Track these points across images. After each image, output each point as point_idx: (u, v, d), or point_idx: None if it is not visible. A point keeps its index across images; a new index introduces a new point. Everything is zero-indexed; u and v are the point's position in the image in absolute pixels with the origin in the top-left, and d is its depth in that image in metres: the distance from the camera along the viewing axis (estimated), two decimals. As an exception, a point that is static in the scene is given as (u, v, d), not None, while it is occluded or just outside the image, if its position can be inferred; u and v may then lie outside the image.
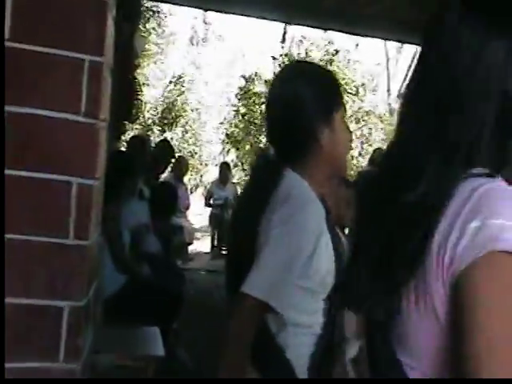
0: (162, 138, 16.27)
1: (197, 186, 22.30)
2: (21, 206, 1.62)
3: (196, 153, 21.71)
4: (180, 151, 18.33)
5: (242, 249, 1.81)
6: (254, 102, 18.44)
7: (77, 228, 1.64)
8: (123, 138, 7.78)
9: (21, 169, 1.62)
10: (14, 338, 1.60)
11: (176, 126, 20.30)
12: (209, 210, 11.70)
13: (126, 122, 7.71)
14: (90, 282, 1.73)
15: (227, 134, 19.86)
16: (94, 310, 1.84)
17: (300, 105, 1.80)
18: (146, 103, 19.22)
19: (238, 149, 19.40)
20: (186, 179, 11.48)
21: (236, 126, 19.49)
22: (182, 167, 9.83)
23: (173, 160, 8.24)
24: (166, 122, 20.02)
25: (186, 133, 20.78)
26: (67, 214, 1.64)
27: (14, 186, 1.61)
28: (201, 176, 22.75)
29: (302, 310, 1.74)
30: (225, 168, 11.58)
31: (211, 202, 11.45)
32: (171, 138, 17.85)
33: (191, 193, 16.37)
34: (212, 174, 19.74)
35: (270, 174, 1.84)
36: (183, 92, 21.11)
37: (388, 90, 24.66)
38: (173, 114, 20.15)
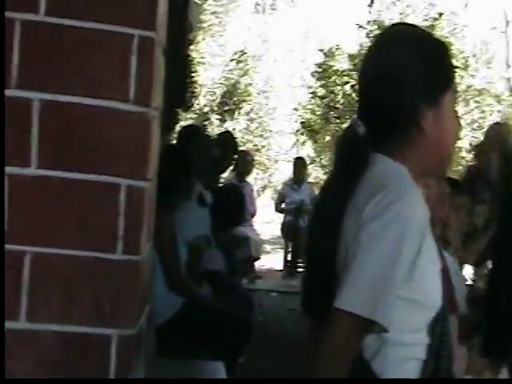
0: (221, 128, 16.33)
1: (264, 188, 22.12)
2: (58, 214, 1.66)
3: (263, 146, 21.33)
4: (244, 144, 17.84)
5: (324, 258, 1.81)
6: (334, 81, 18.06)
7: (126, 240, 1.68)
8: (175, 129, 7.58)
9: (58, 169, 1.66)
10: (54, 370, 1.64)
11: (239, 113, 19.88)
12: (280, 216, 11.44)
13: (178, 110, 7.58)
14: (142, 305, 1.75)
15: (302, 123, 19.32)
16: (146, 338, 1.87)
17: (399, 78, 1.76)
18: (201, 86, 18.96)
19: (315, 141, 18.91)
20: (250, 179, 11.32)
21: (313, 113, 19.09)
22: (246, 164, 9.78)
23: (235, 156, 8.06)
24: (226, 108, 19.75)
25: (251, 122, 20.52)
26: (114, 224, 1.68)
27: (49, 189, 1.65)
28: (269, 175, 22.57)
29: (405, 327, 1.72)
30: (299, 164, 11.28)
31: (283, 206, 11.20)
32: (233, 129, 17.35)
33: (258, 196, 16.34)
34: (283, 172, 19.71)
35: (358, 157, 1.82)
36: (247, 71, 20.87)
37: (507, 62, 24.07)
38: (235, 98, 19.78)
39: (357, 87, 1.89)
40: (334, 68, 18.17)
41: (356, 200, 1.74)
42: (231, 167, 8.79)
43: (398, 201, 1.65)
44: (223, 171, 7.60)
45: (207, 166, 6.08)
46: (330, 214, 1.84)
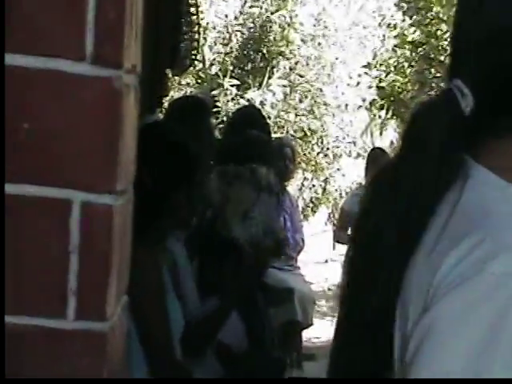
0: (241, 101, 11.70)
1: (317, 203, 14.10)
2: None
3: (313, 131, 13.10)
4: (278, 128, 12.29)
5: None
6: (437, 19, 11.38)
7: (81, 297, 1.03)
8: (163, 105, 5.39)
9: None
10: None
11: (271, 75, 12.52)
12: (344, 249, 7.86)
13: (168, 74, 5.48)
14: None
15: (380, 89, 12.25)
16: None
17: None
18: (207, 31, 12.50)
19: (402, 119, 11.58)
20: (292, 186, 8.82)
21: (399, 73, 12.19)
22: (283, 162, 6.30)
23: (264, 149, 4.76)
24: (249, 67, 12.77)
25: (292, 90, 12.99)
26: (62, 268, 1.02)
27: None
28: (325, 180, 13.98)
29: None
30: (378, 161, 7.46)
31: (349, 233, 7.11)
32: (261, 103, 11.82)
33: (305, 216, 12.12)
34: (349, 174, 13.69)
35: (452, 159, 1.13)
36: (285, 2, 13.04)
37: None
38: (263, 50, 12.69)
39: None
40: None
41: (433, 231, 1.09)
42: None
43: (498, 258, 1.01)
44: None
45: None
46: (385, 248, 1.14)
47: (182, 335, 2.90)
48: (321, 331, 7.68)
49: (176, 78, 10.59)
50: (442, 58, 10.73)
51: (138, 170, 1.21)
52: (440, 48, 11.04)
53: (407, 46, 11.75)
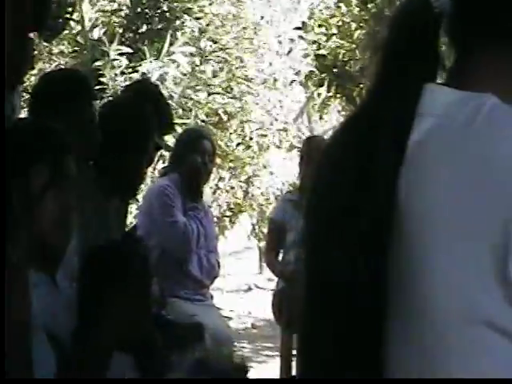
0: (134, 75, 10.18)
1: (237, 211, 12.56)
2: None
3: (231, 115, 11.59)
4: (183, 111, 10.47)
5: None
6: None
7: None
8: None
9: None
10: None
11: (172, 42, 10.64)
12: (272, 277, 7.33)
13: (33, 39, 4.29)
14: None
15: (317, 57, 11.05)
16: None
17: None
18: None
19: (345, 95, 11.33)
20: (206, 194, 7.85)
21: (342, 36, 10.95)
22: (193, 161, 5.57)
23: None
24: (143, 29, 11.15)
25: (201, 61, 11.38)
26: None
27: None
28: (248, 180, 12.41)
29: None
30: (314, 153, 6.74)
31: (281, 252, 6.65)
32: (160, 76, 10.43)
33: (221, 231, 11.26)
34: (279, 172, 12.51)
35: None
36: None
37: None
38: (164, 6, 11.11)
39: None
40: None
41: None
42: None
43: None
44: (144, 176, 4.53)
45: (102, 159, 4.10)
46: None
47: None
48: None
49: (46, 44, 9.98)
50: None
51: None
52: (397, 2, 8.72)
53: (354, 1, 10.57)
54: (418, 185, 1.11)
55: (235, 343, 6.12)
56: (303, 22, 11.10)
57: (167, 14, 11.04)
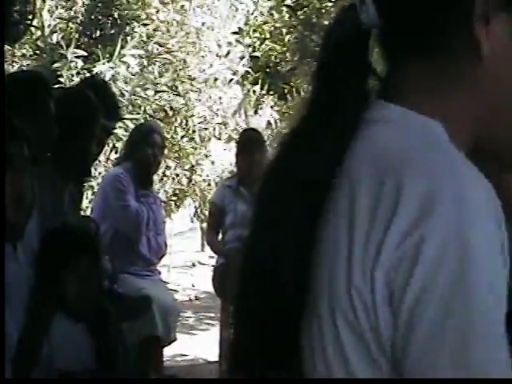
0: (90, 74, 10.25)
1: (182, 196, 12.36)
2: None
3: (176, 111, 11.64)
4: (133, 108, 10.76)
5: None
6: None
7: None
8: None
9: None
10: None
11: (124, 44, 10.77)
12: (212, 254, 7.51)
13: None
14: None
15: (253, 59, 11.54)
16: None
17: None
18: None
19: (280, 95, 11.84)
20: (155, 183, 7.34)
21: (275, 41, 11.60)
22: (144, 152, 5.61)
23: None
24: (97, 34, 11.08)
25: (148, 62, 11.40)
26: None
27: None
28: (192, 168, 12.09)
29: None
30: (250, 145, 6.66)
31: (220, 232, 6.73)
32: (112, 76, 10.59)
33: (168, 213, 10.98)
34: (220, 162, 12.55)
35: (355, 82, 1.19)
36: None
37: None
38: (115, 13, 11.28)
39: None
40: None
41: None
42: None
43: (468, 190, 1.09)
44: (93, 160, 4.62)
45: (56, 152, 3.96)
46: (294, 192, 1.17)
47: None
48: (186, 348, 7.08)
49: (9, 47, 9.37)
50: (325, 22, 9.53)
51: None
52: (323, 11, 10.28)
53: (285, 9, 11.29)
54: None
55: (180, 313, 6.26)
56: (240, 28, 11.39)
57: (118, 20, 11.25)
